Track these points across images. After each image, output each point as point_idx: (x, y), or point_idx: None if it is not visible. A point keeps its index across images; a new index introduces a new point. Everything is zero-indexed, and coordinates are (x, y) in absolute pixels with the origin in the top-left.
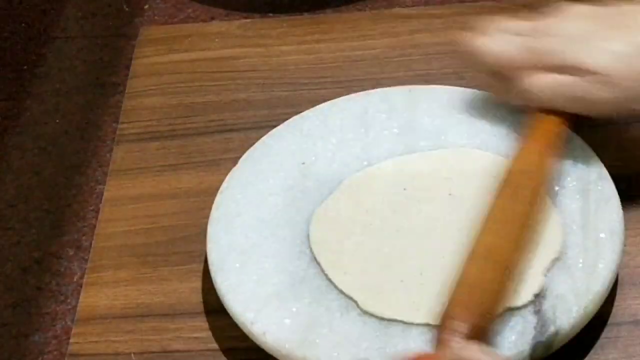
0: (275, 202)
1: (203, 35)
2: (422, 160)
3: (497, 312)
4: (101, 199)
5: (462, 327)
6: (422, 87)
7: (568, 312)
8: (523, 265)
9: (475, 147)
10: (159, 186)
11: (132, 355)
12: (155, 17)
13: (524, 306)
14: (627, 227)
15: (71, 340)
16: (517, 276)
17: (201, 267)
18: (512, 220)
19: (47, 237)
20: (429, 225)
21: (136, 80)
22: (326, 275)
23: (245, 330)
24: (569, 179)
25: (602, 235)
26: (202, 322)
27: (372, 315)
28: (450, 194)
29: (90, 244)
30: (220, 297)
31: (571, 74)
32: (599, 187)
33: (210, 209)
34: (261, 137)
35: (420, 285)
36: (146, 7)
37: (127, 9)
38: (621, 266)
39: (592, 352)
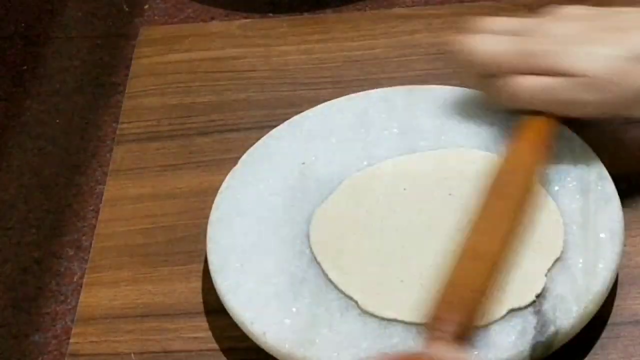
0: (275, 202)
1: (203, 35)
2: (422, 160)
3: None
4: (101, 199)
5: (449, 328)
6: (422, 87)
7: (568, 312)
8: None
9: (475, 147)
10: (159, 186)
11: (132, 355)
12: (155, 17)
13: (524, 306)
14: (627, 227)
15: (71, 340)
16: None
17: (201, 267)
18: (501, 220)
19: (47, 237)
20: (429, 225)
21: (136, 80)
22: (326, 275)
23: (245, 330)
24: (569, 179)
25: (602, 235)
26: (202, 322)
27: (372, 315)
28: (450, 194)
29: (90, 244)
30: (220, 297)
31: (559, 77)
32: (599, 187)
33: (210, 209)
34: (261, 137)
35: (420, 285)
36: (146, 7)
37: (127, 9)
38: (621, 266)
39: (592, 352)
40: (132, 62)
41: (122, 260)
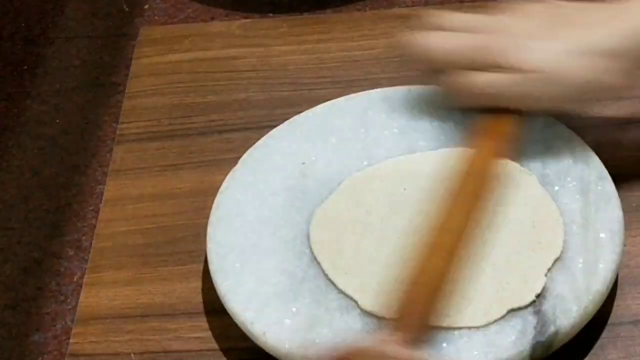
0: (275, 202)
1: (203, 35)
2: (422, 160)
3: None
4: (101, 199)
5: (406, 326)
6: (422, 87)
7: (568, 312)
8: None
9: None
10: (159, 186)
11: (132, 355)
12: (155, 17)
13: (525, 306)
14: (627, 227)
15: (71, 340)
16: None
17: (201, 267)
18: (456, 226)
19: (47, 237)
20: (429, 225)
21: (136, 80)
22: (326, 275)
23: (245, 330)
24: (569, 179)
25: (602, 235)
26: (202, 322)
27: (372, 315)
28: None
29: (90, 244)
30: (220, 297)
31: (513, 72)
32: (599, 187)
33: (210, 209)
34: (261, 137)
35: None
36: (146, 7)
37: (127, 9)
38: (621, 266)
39: (592, 352)
40: (132, 62)
41: (122, 260)
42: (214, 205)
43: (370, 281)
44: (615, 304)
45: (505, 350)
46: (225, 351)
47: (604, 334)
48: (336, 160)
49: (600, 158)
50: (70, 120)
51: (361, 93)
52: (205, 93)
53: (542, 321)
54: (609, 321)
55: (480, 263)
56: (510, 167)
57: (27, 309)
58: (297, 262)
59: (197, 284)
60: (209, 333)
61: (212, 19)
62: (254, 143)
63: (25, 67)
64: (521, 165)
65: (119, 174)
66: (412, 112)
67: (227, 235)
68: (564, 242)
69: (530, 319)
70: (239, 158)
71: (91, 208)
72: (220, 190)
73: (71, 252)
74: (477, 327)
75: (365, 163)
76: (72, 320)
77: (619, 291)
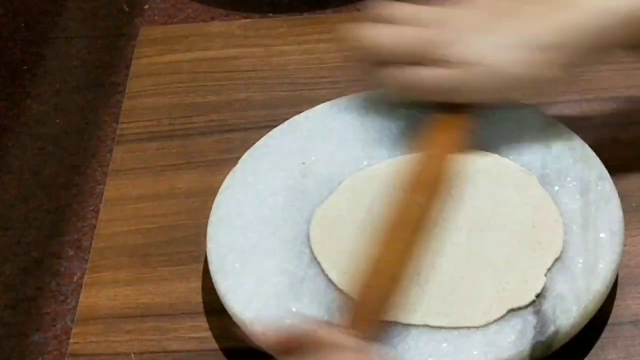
0: (275, 202)
1: (203, 35)
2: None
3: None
4: (101, 199)
5: (356, 328)
6: None
7: (568, 312)
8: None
9: (474, 147)
10: (159, 186)
11: (132, 355)
12: (155, 17)
13: (524, 306)
14: (627, 227)
15: (71, 340)
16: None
17: (201, 267)
18: (410, 227)
19: (47, 237)
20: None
21: (136, 80)
22: (326, 275)
23: (245, 330)
24: (569, 179)
25: (602, 235)
26: (201, 322)
27: None
28: (450, 194)
29: (90, 244)
30: (220, 297)
31: (455, 67)
32: (599, 187)
33: (210, 209)
34: (261, 137)
35: (418, 286)
36: (146, 7)
37: (127, 9)
38: (621, 266)
39: (592, 352)
40: (132, 62)
41: (122, 260)
42: (214, 205)
43: None
44: (615, 304)
45: (505, 350)
46: (225, 351)
47: (604, 334)
48: (336, 160)
49: (600, 158)
50: (70, 120)
51: (361, 93)
52: (205, 93)
53: (542, 321)
54: (609, 321)
55: (480, 263)
56: (511, 167)
57: (27, 309)
58: (297, 262)
59: (197, 284)
60: (209, 333)
61: (212, 19)
62: (254, 143)
63: (25, 67)
64: (521, 165)
65: (119, 174)
66: (412, 112)
67: (227, 235)
68: (564, 242)
69: (530, 319)
70: (239, 158)
71: (91, 208)
72: (220, 190)
73: (71, 252)
74: (477, 327)
75: (365, 163)
76: (72, 320)
77: (619, 291)
